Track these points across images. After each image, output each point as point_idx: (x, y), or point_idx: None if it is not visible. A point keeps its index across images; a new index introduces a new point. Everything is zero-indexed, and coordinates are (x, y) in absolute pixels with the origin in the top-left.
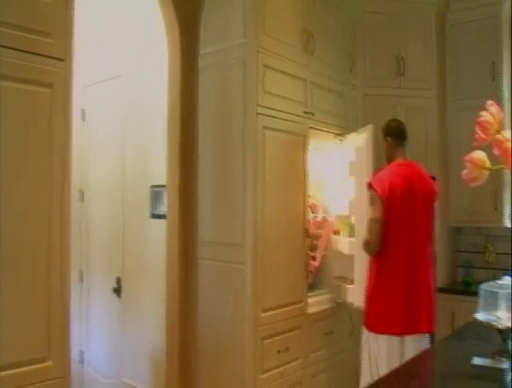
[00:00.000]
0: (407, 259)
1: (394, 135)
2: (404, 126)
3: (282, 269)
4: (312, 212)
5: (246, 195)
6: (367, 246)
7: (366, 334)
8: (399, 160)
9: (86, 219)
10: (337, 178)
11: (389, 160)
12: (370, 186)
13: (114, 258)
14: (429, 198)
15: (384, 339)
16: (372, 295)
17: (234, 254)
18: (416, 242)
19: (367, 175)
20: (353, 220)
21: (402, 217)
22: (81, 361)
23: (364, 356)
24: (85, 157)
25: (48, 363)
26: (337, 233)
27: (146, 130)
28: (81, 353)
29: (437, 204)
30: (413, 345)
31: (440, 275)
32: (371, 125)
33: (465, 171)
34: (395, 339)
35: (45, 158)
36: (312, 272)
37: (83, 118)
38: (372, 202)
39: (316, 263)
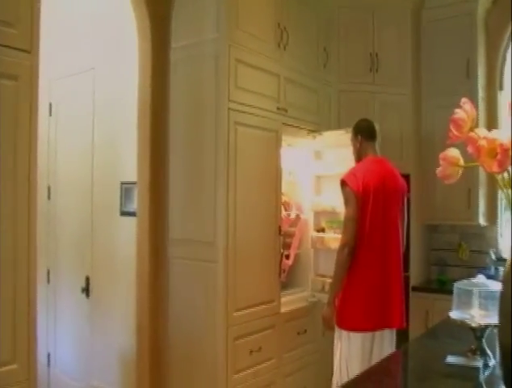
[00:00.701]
0: (380, 256)
1: (365, 133)
2: (375, 126)
3: (254, 268)
4: (285, 210)
5: (218, 192)
6: (343, 247)
7: (338, 332)
8: (370, 156)
9: (53, 216)
10: (310, 174)
11: (359, 158)
12: (343, 183)
13: (82, 256)
14: (401, 196)
15: (356, 337)
16: (345, 293)
17: (206, 252)
18: (389, 239)
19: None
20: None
21: (376, 213)
22: (49, 364)
23: (336, 355)
24: (52, 152)
25: (13, 366)
26: (321, 230)
27: (116, 125)
28: (49, 355)
29: (412, 202)
30: (382, 340)
31: (414, 273)
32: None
33: (439, 169)
34: (367, 337)
35: (10, 153)
36: (285, 270)
37: (50, 112)
38: (347, 200)
39: (289, 262)
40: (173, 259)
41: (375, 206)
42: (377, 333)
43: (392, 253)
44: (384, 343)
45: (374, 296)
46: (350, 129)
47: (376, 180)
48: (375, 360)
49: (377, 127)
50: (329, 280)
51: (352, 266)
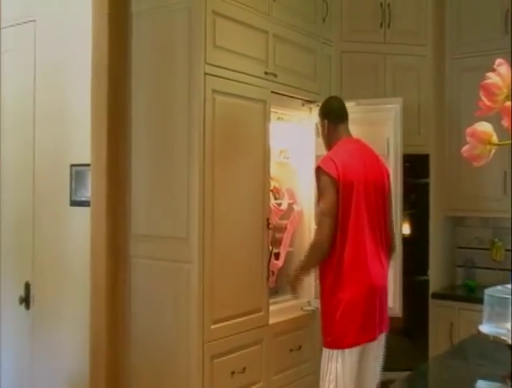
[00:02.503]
0: (369, 254)
1: (333, 117)
2: (344, 105)
3: (237, 269)
4: (275, 199)
5: (192, 176)
6: (316, 248)
7: (327, 354)
8: (344, 138)
9: None
10: (307, 155)
11: (329, 144)
12: (319, 170)
13: (21, 258)
14: (385, 183)
15: (352, 354)
16: (334, 306)
17: (177, 250)
18: (374, 232)
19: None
20: None
21: (360, 205)
22: None
23: (325, 380)
24: None
25: None
26: None
27: (64, 93)
28: None
29: (432, 189)
30: (374, 347)
31: (434, 276)
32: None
33: (466, 147)
34: (358, 350)
35: None
36: (274, 272)
37: None
38: (323, 190)
39: (279, 263)
40: (136, 259)
41: (358, 197)
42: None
43: (378, 248)
44: (378, 350)
45: (370, 301)
46: (356, 102)
47: (358, 166)
48: (369, 371)
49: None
50: None
51: (338, 272)
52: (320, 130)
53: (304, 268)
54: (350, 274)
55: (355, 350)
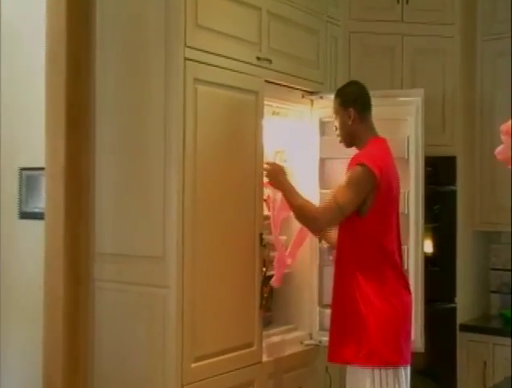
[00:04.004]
0: (400, 265)
1: (360, 103)
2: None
3: (223, 295)
4: (270, 210)
5: (169, 183)
6: (310, 220)
7: (357, 374)
8: (374, 138)
9: None
10: (309, 157)
11: (354, 140)
12: (361, 165)
13: None
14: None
15: (397, 374)
16: (379, 311)
17: (151, 272)
18: (400, 242)
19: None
20: None
21: (394, 211)
22: None
23: None
24: None
25: None
26: None
27: (12, 80)
28: None
29: (459, 198)
30: (405, 378)
31: (463, 304)
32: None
33: (500, 148)
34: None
35: None
36: (266, 297)
37: None
38: (356, 181)
39: (289, 260)
40: (101, 283)
41: (394, 209)
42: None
43: (402, 261)
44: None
45: (410, 318)
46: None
47: (395, 174)
48: None
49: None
50: None
51: (376, 279)
52: (338, 122)
53: (287, 197)
54: (396, 281)
55: (393, 372)
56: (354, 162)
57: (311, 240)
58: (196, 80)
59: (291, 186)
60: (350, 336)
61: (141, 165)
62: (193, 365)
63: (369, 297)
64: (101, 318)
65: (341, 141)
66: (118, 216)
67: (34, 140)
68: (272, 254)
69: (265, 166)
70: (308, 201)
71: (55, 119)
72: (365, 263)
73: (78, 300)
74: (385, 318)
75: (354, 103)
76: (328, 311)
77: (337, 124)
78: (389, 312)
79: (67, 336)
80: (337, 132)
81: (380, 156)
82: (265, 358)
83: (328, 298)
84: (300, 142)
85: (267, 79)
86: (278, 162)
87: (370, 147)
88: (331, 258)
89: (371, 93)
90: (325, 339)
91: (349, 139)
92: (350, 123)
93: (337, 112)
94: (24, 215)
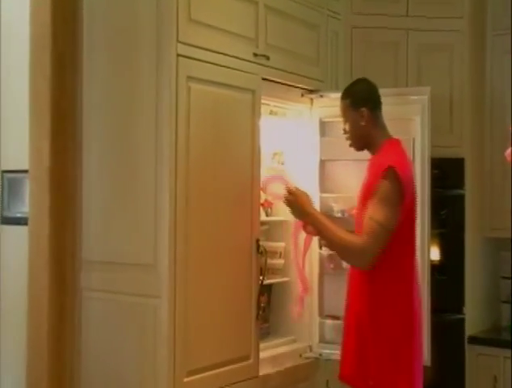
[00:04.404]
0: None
1: (372, 102)
2: None
3: (218, 305)
4: (267, 215)
5: (161, 186)
6: (355, 252)
7: None
8: (389, 139)
9: None
10: (309, 159)
11: (367, 142)
12: (392, 171)
13: None
14: None
15: None
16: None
17: (141, 281)
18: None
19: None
20: None
21: (414, 221)
22: None
23: None
24: None
25: None
26: None
27: None
28: None
29: (467, 202)
30: None
31: (472, 315)
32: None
33: (510, 149)
34: None
35: None
36: (263, 307)
37: None
38: (390, 197)
39: (303, 292)
40: (88, 292)
41: (414, 210)
42: None
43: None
44: None
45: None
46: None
47: (414, 181)
48: None
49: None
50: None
51: (403, 292)
52: (349, 124)
53: (320, 231)
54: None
55: None
56: (380, 170)
57: (310, 247)
58: (189, 78)
59: (322, 216)
60: (372, 360)
61: (131, 167)
62: (186, 380)
63: (401, 314)
64: (88, 330)
65: (351, 145)
66: (106, 221)
67: (17, 140)
68: (270, 261)
69: (284, 195)
70: (345, 232)
71: (39, 118)
72: (396, 277)
73: (64, 311)
74: (416, 348)
75: (366, 102)
76: (329, 322)
77: (347, 126)
78: (419, 343)
79: (52, 349)
80: (347, 135)
81: (402, 162)
82: (262, 372)
83: (329, 308)
84: (299, 143)
85: (264, 77)
86: (275, 164)
87: (388, 151)
88: (332, 266)
89: None
90: (326, 351)
91: (361, 142)
92: (363, 123)
93: (347, 114)
94: (6, 220)
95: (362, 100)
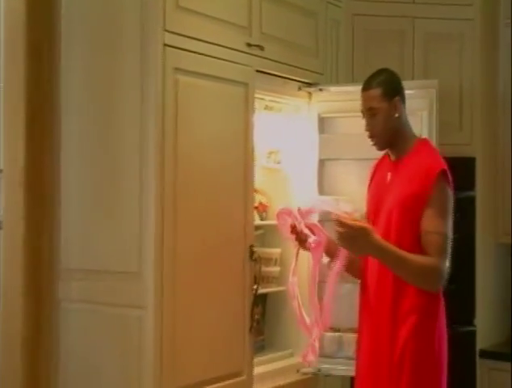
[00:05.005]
0: None
1: (403, 92)
2: None
3: (208, 317)
4: (261, 219)
5: (146, 187)
6: (437, 276)
7: None
8: (416, 136)
9: None
10: (308, 159)
11: (396, 138)
12: (444, 176)
13: None
14: None
15: None
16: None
17: (125, 290)
18: None
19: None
20: None
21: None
22: None
23: None
24: None
25: None
26: None
27: None
28: None
29: (478, 205)
30: None
31: (484, 327)
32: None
33: None
34: None
35: None
36: (257, 319)
37: None
38: (449, 208)
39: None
40: (67, 303)
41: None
42: None
43: None
44: None
45: None
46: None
47: None
48: None
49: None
50: (347, 335)
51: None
52: (382, 116)
53: (389, 262)
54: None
55: None
56: (432, 175)
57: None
58: (177, 69)
59: (387, 243)
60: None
61: (114, 167)
62: None
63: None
64: (67, 344)
65: (375, 143)
66: (86, 225)
67: None
68: (265, 268)
69: (337, 228)
70: (416, 256)
71: (13, 115)
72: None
73: (40, 323)
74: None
75: (398, 91)
76: (329, 335)
77: (374, 120)
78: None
79: (27, 364)
80: (373, 130)
81: (445, 164)
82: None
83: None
84: (297, 141)
85: (259, 69)
86: (271, 164)
87: (426, 151)
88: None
89: None
90: (326, 366)
91: (391, 138)
92: (396, 115)
93: (376, 105)
94: None
95: (395, 90)
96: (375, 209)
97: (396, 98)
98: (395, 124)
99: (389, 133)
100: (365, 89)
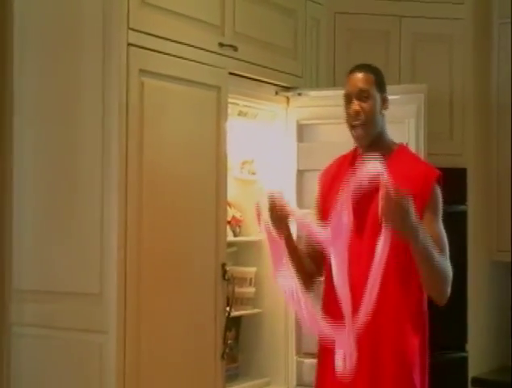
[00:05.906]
0: None
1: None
2: None
3: (176, 342)
4: (235, 235)
5: (108, 199)
6: (450, 278)
7: None
8: (391, 139)
9: None
10: (285, 169)
11: (378, 136)
12: (439, 180)
13: None
14: None
15: None
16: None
17: (84, 314)
18: None
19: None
20: None
21: None
22: None
23: None
24: None
25: None
26: None
27: None
28: None
29: (470, 220)
30: None
31: (476, 353)
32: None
33: None
34: None
35: None
36: (230, 344)
37: None
38: (439, 210)
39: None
40: (19, 328)
41: None
42: None
43: None
44: None
45: None
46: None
47: None
48: None
49: None
50: None
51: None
52: (372, 102)
53: (421, 251)
54: None
55: None
56: (431, 179)
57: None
58: (142, 71)
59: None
60: None
61: (72, 177)
62: None
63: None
64: (19, 372)
65: (365, 131)
66: (42, 242)
67: None
68: (239, 289)
69: (386, 192)
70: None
71: None
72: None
73: None
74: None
75: (386, 90)
76: (308, 361)
77: (366, 105)
78: None
79: None
80: (362, 117)
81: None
82: None
83: (307, 345)
84: (273, 150)
85: (232, 71)
86: (245, 174)
87: (413, 155)
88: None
89: None
90: None
91: (376, 132)
92: (383, 111)
93: (370, 90)
94: None
95: (384, 86)
96: (358, 216)
97: (385, 94)
98: (379, 121)
99: (375, 125)
100: (357, 71)
